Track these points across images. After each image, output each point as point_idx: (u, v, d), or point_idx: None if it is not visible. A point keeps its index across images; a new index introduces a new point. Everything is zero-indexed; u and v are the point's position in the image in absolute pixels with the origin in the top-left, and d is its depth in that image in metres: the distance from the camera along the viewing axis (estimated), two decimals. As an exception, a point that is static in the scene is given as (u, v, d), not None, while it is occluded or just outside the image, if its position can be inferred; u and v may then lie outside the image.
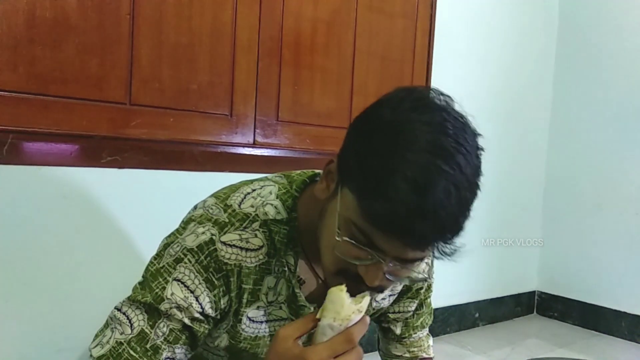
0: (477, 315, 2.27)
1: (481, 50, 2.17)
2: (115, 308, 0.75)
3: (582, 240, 2.36)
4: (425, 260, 0.79)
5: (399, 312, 0.98)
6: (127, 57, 1.26)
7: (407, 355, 1.03)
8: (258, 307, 0.77)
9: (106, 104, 1.24)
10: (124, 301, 0.75)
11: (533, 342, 2.12)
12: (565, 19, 2.46)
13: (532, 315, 2.52)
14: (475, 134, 0.64)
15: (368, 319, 0.62)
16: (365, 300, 0.63)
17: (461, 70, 2.10)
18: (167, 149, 1.33)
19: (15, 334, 1.17)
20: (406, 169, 0.56)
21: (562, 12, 2.47)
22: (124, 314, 0.73)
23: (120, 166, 1.26)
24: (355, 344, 0.61)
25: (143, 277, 0.75)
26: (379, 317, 1.00)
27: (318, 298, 0.78)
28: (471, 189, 0.61)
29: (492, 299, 2.34)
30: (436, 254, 0.64)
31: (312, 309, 0.79)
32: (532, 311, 2.54)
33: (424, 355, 1.04)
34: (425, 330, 1.03)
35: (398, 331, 1.01)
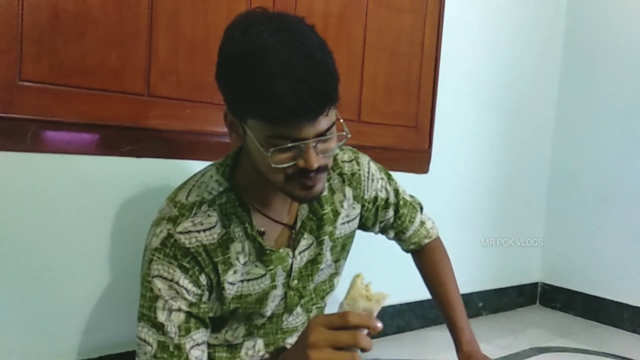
0: (480, 304, 2.32)
1: (488, 45, 2.19)
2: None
3: (585, 233, 2.39)
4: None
5: (382, 222, 1.10)
6: (146, 50, 1.30)
7: (413, 247, 1.16)
8: (235, 272, 0.86)
9: (125, 95, 1.28)
10: (137, 329, 0.83)
11: (535, 332, 2.15)
12: (572, 15, 2.47)
13: (535, 306, 2.56)
14: (304, 22, 0.76)
15: (379, 323, 0.64)
16: (377, 295, 0.67)
17: (468, 65, 2.12)
18: (184, 139, 1.37)
19: (35, 317, 1.22)
20: (270, 70, 0.68)
21: (569, 8, 2.48)
22: (139, 338, 0.82)
23: (139, 155, 1.31)
24: (349, 324, 0.63)
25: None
26: (372, 231, 1.13)
27: (287, 240, 0.91)
28: (326, 54, 0.73)
29: (495, 290, 2.38)
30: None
31: (281, 250, 0.89)
32: (535, 302, 2.58)
33: (427, 240, 1.17)
34: (416, 222, 1.14)
35: (392, 235, 1.15)
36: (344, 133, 0.78)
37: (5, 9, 1.11)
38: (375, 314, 0.66)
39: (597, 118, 2.36)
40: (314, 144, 0.73)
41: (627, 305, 2.23)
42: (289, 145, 0.72)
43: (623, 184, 2.26)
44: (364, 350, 0.63)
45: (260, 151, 0.74)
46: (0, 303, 1.17)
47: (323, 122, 0.73)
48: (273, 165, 0.73)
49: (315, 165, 0.74)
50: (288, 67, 0.68)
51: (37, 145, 1.18)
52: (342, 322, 0.64)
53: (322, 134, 0.74)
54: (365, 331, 0.65)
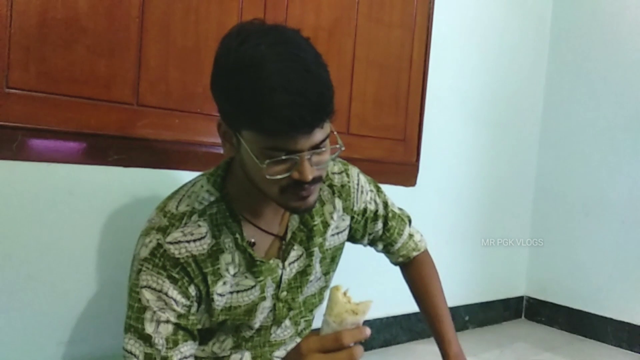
0: (467, 318, 2.32)
1: (475, 60, 2.23)
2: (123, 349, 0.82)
3: (570, 248, 2.42)
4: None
5: (371, 234, 1.10)
6: (136, 59, 1.29)
7: (401, 259, 1.16)
8: (224, 283, 0.85)
9: (114, 104, 1.27)
10: (123, 341, 0.82)
11: (521, 346, 2.16)
12: (557, 32, 2.52)
13: (520, 320, 2.57)
14: (300, 35, 0.77)
15: (368, 330, 0.66)
16: (362, 305, 0.67)
17: (456, 79, 2.15)
18: (172, 149, 1.36)
19: (19, 328, 1.19)
20: (267, 83, 0.68)
21: (553, 24, 2.54)
22: (125, 350, 0.80)
23: (127, 165, 1.29)
24: (344, 345, 0.64)
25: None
26: (360, 243, 1.13)
27: (277, 251, 0.91)
28: (322, 68, 0.74)
29: (481, 303, 2.39)
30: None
31: (271, 262, 0.89)
32: (521, 316, 2.60)
33: (415, 253, 1.17)
34: (405, 235, 1.14)
35: (380, 247, 1.15)
36: (338, 146, 0.79)
37: (-7, 16, 1.10)
38: (362, 323, 0.66)
39: (581, 133, 2.40)
40: (309, 156, 0.74)
41: (610, 319, 2.25)
42: (284, 157, 0.72)
43: (607, 199, 2.29)
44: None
45: (255, 162, 0.74)
46: (-19, 314, 1.14)
47: (318, 135, 0.73)
48: (268, 176, 0.74)
49: (310, 177, 0.74)
50: (286, 81, 0.68)
51: (23, 154, 1.16)
52: (337, 345, 0.64)
53: (317, 146, 0.74)
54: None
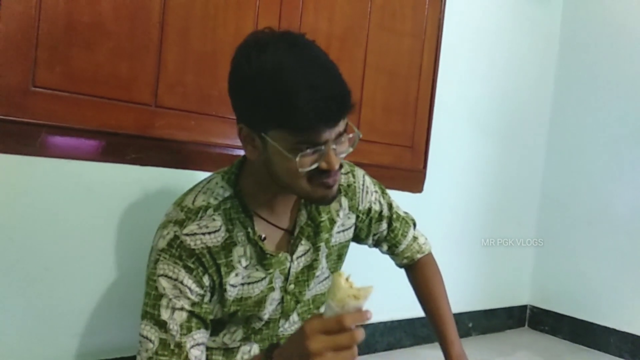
0: (470, 325, 2.34)
1: (484, 70, 2.26)
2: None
3: (574, 257, 2.43)
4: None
5: (375, 234, 1.14)
6: (155, 62, 1.34)
7: (406, 261, 1.20)
8: (237, 274, 0.90)
9: (133, 105, 1.32)
10: (140, 327, 0.86)
11: (524, 355, 2.18)
12: (566, 43, 2.55)
13: (523, 329, 2.59)
14: (307, 38, 0.84)
15: (369, 314, 0.68)
16: (364, 290, 0.69)
17: (464, 88, 2.18)
18: (188, 149, 1.41)
19: (35, 319, 1.23)
20: (294, 85, 0.75)
21: (562, 35, 2.56)
22: (141, 335, 0.85)
23: (143, 163, 1.34)
24: (346, 328, 0.67)
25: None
26: (365, 244, 1.17)
27: (286, 245, 0.96)
28: (335, 66, 0.82)
29: (485, 311, 2.41)
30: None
31: (280, 255, 0.94)
32: (524, 324, 2.61)
33: (419, 255, 1.20)
34: (409, 237, 1.18)
35: (385, 248, 1.18)
36: (356, 133, 0.85)
37: (22, 17, 1.16)
38: (364, 307, 0.69)
39: (588, 143, 2.42)
40: (334, 147, 0.81)
41: (614, 330, 2.26)
42: (314, 149, 0.79)
43: (612, 209, 2.30)
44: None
45: (285, 159, 0.80)
46: (0, 304, 1.19)
47: (340, 126, 0.81)
48: (300, 169, 0.80)
49: (337, 166, 0.82)
50: (310, 81, 0.76)
51: (45, 150, 1.21)
52: (339, 327, 0.67)
53: (340, 135, 0.82)
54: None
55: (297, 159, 0.79)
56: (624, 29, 2.32)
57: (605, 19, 2.39)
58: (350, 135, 0.85)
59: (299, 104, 0.75)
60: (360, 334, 0.67)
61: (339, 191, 1.04)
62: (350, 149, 0.87)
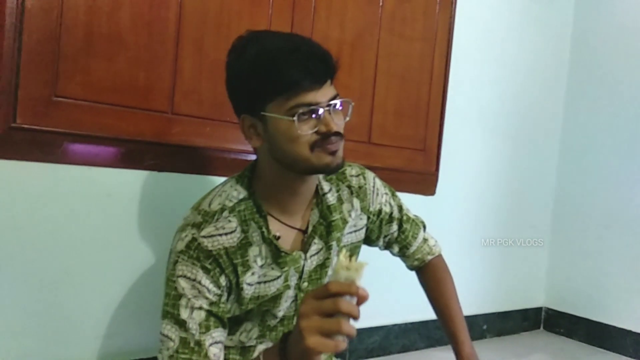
0: (485, 327, 2.34)
1: (495, 73, 2.27)
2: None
3: (589, 259, 2.42)
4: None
5: (386, 236, 1.17)
6: (171, 71, 1.38)
7: (417, 263, 1.22)
8: (253, 274, 0.93)
9: (150, 113, 1.36)
10: (160, 326, 0.89)
11: (539, 357, 2.17)
12: (577, 44, 2.54)
13: (538, 331, 2.58)
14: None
15: (361, 289, 0.66)
16: (357, 264, 0.68)
17: (475, 91, 2.19)
18: (203, 155, 1.44)
19: (58, 322, 1.27)
20: (279, 53, 0.84)
21: (574, 36, 2.56)
22: (162, 335, 0.88)
23: (161, 169, 1.38)
24: (331, 292, 0.66)
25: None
26: (377, 246, 1.20)
27: (300, 244, 0.99)
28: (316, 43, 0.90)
29: (500, 313, 2.40)
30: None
31: (294, 253, 0.97)
32: (539, 326, 2.60)
33: (430, 257, 1.23)
34: (419, 238, 1.20)
35: (396, 250, 1.21)
36: (348, 100, 0.91)
37: (44, 31, 1.20)
38: (357, 282, 0.68)
39: (601, 145, 2.41)
40: (328, 109, 0.86)
41: (630, 331, 2.24)
42: (309, 109, 0.85)
43: (627, 211, 2.29)
44: (350, 315, 0.65)
45: (285, 125, 0.86)
46: (22, 306, 1.23)
47: (329, 91, 0.87)
48: (299, 132, 0.84)
49: (334, 128, 0.86)
50: (291, 46, 0.85)
51: (66, 158, 1.25)
52: (324, 291, 0.67)
53: (332, 99, 0.87)
54: (354, 300, 0.67)
55: (295, 120, 0.84)
56: (636, 28, 2.31)
57: (617, 19, 2.39)
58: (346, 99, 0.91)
59: (283, 66, 0.83)
60: (346, 305, 0.65)
61: (351, 193, 1.08)
62: (347, 118, 0.92)
